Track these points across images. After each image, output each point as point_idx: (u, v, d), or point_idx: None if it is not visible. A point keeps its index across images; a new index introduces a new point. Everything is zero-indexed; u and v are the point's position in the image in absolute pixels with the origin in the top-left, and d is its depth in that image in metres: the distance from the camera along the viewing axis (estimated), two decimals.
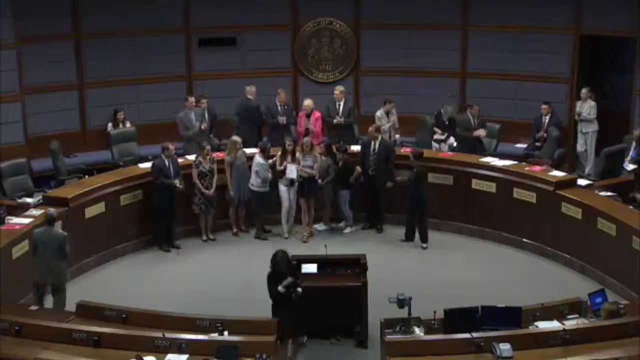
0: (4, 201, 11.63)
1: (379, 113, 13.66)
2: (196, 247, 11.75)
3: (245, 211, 12.11)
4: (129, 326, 8.22)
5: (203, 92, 14.56)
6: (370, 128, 12.24)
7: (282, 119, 13.67)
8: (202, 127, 13.43)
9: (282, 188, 11.88)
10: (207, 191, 11.64)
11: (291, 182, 11.75)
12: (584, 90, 13.76)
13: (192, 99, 13.61)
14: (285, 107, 13.86)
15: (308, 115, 13.45)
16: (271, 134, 13.79)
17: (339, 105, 13.69)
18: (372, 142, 12.07)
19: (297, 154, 11.86)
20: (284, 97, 13.86)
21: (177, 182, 11.41)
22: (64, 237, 9.37)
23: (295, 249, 10.56)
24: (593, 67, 14.66)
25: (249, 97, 14.05)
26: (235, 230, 12.12)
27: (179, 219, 11.75)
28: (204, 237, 11.93)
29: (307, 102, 13.54)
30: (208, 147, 11.95)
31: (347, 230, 12.13)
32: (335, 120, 13.59)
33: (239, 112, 14.03)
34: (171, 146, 11.66)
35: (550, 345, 7.49)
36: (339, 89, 13.82)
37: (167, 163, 11.45)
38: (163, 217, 11.52)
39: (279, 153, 11.91)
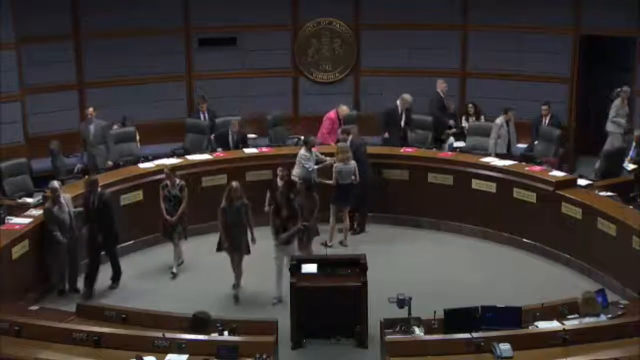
0: (4, 201, 11.64)
1: (498, 121, 13.25)
2: (196, 247, 11.73)
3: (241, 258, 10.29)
4: (129, 326, 8.23)
5: (202, 93, 14.64)
6: (339, 130, 12.28)
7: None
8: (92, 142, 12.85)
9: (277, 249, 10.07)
10: (168, 217, 10.70)
11: (287, 241, 10.00)
12: (625, 89, 13.46)
13: (90, 110, 13.02)
14: (238, 136, 13.42)
15: (340, 120, 13.24)
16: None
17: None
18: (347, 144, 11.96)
19: (336, 162, 11.46)
20: (237, 126, 13.46)
21: (59, 235, 10.02)
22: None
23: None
24: (593, 67, 14.67)
25: (438, 91, 14.24)
26: (235, 292, 10.24)
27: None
28: (173, 269, 10.81)
29: (346, 110, 13.34)
30: (173, 174, 10.88)
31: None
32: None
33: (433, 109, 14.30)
34: (55, 184, 10.31)
35: (550, 345, 7.50)
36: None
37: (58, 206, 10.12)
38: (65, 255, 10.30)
39: (268, 194, 10.66)
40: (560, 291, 9.32)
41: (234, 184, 10.13)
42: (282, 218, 9.98)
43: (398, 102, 13.74)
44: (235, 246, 10.10)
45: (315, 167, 11.79)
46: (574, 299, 8.44)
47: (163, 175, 11.06)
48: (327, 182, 11.59)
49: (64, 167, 13.09)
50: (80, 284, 10.35)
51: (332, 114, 13.51)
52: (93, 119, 12.96)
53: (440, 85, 14.45)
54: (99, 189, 10.30)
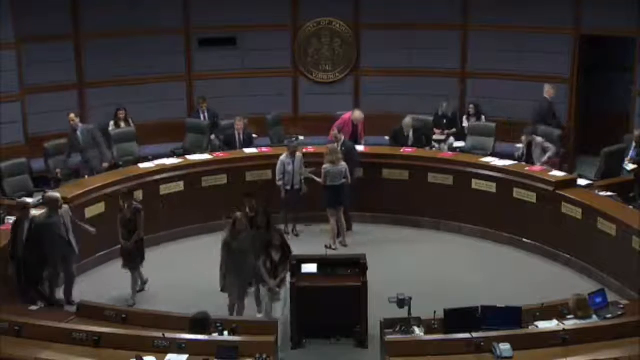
0: (4, 201, 11.62)
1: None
2: (196, 248, 11.73)
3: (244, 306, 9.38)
4: (129, 326, 8.23)
5: (202, 94, 14.66)
6: (333, 132, 12.30)
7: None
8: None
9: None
10: (123, 241, 10.04)
11: (279, 286, 8.94)
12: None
13: (72, 117, 12.55)
14: (244, 135, 13.35)
15: (355, 126, 13.15)
16: None
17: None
18: (336, 145, 11.88)
19: (325, 163, 11.39)
20: (242, 124, 13.32)
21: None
22: None
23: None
24: (593, 67, 14.67)
25: (546, 96, 13.88)
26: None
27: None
28: (130, 300, 10.05)
29: (359, 116, 13.20)
30: (129, 197, 10.17)
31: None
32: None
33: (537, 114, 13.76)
34: (28, 201, 10.02)
35: (550, 345, 7.49)
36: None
37: (26, 225, 9.42)
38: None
39: (230, 225, 9.25)
40: (560, 291, 9.28)
41: (238, 214, 9.20)
42: (274, 262, 8.95)
43: (402, 124, 13.46)
44: (241, 278, 9.17)
45: (299, 174, 11.71)
46: None
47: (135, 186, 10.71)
48: (318, 179, 11.56)
49: (56, 168, 13.03)
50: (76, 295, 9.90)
51: (348, 114, 13.41)
52: (78, 125, 12.56)
53: (549, 92, 13.88)
54: (31, 215, 9.49)
